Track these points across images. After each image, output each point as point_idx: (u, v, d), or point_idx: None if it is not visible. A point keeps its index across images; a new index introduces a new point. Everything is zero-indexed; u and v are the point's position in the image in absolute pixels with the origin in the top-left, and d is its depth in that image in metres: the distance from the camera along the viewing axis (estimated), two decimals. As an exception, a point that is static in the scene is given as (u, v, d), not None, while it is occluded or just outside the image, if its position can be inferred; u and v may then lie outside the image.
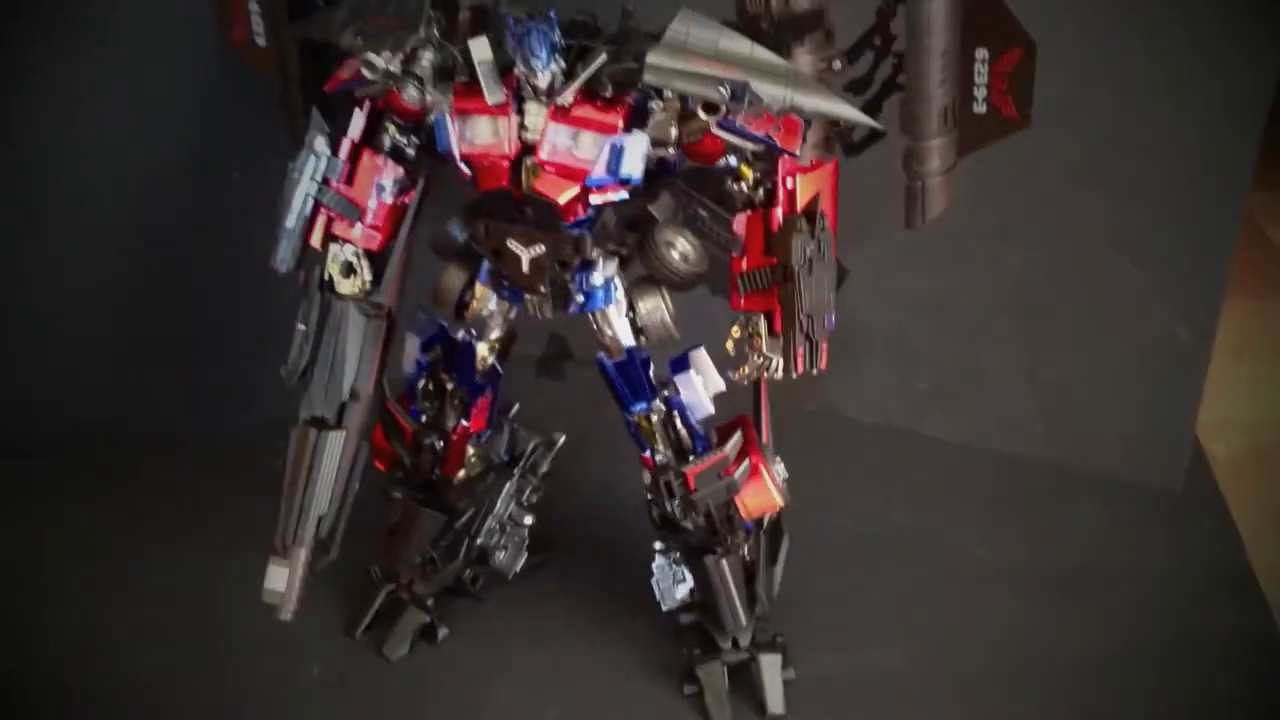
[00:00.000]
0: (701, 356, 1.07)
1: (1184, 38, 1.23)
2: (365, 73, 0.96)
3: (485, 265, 1.04)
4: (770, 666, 1.14)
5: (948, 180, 1.02)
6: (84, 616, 1.23)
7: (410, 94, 0.97)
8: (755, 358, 1.01)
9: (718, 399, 1.08)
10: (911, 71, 0.97)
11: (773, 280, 0.99)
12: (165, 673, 1.18)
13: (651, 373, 1.07)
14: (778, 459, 1.11)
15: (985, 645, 1.21)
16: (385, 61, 0.95)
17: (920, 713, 1.15)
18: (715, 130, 0.95)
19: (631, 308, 1.05)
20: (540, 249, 0.99)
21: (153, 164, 1.36)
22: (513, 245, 0.99)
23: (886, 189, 1.03)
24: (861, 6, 1.00)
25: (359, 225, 1.03)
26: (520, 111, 0.97)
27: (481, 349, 1.13)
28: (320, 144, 1.02)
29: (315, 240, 1.03)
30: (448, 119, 0.99)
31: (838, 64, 1.00)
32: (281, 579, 1.06)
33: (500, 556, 1.22)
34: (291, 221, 1.03)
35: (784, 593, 1.17)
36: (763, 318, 1.01)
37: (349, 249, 1.04)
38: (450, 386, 1.14)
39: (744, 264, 1.00)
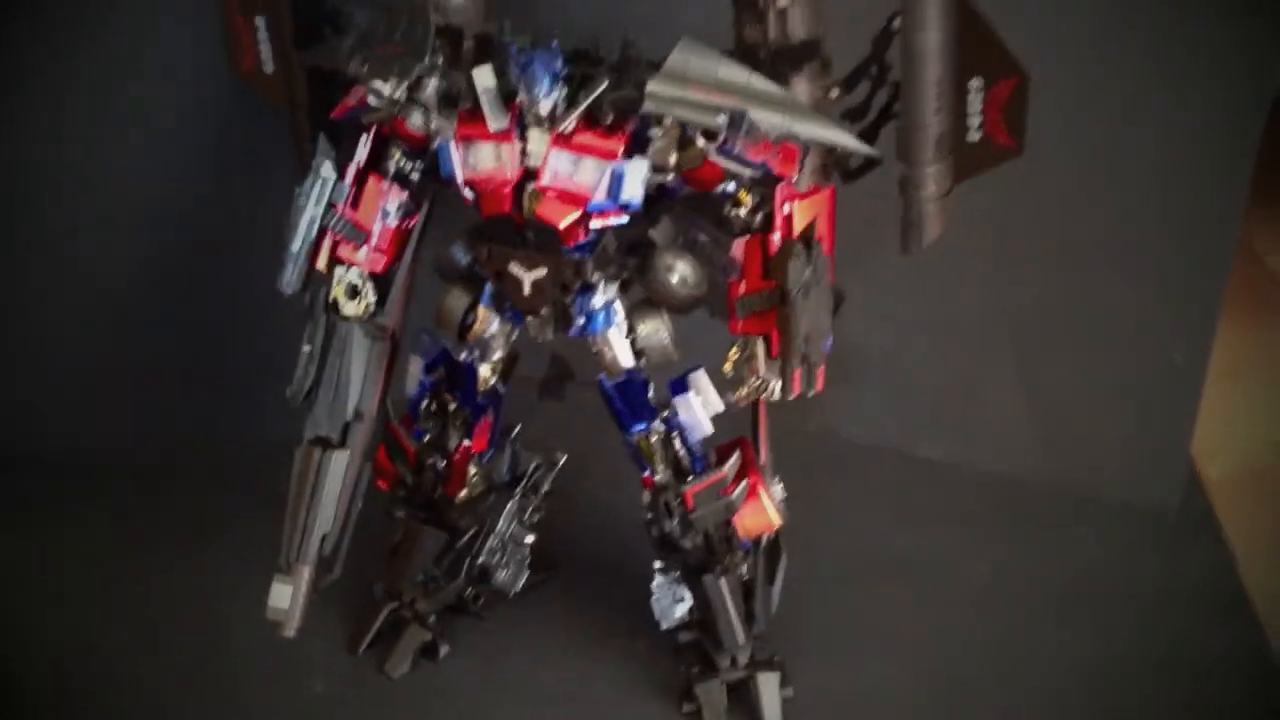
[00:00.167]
0: (700, 378, 1.08)
1: (1178, 61, 1.24)
2: (371, 100, 0.98)
3: (488, 288, 1.06)
4: (768, 685, 1.15)
5: (943, 207, 1.02)
6: (88, 632, 1.24)
7: (415, 120, 1.00)
8: (753, 379, 1.03)
9: (717, 420, 1.08)
10: (907, 100, 0.98)
11: (770, 304, 1.00)
12: (169, 688, 1.18)
13: (651, 394, 1.08)
14: (776, 479, 1.12)
15: (982, 664, 1.22)
16: (391, 89, 0.97)
17: (917, 731, 1.16)
18: (714, 157, 0.97)
19: (632, 330, 1.06)
20: (542, 272, 1.00)
21: (161, 187, 1.37)
22: (515, 268, 1.01)
23: (884, 214, 1.04)
24: (858, 36, 1.01)
25: (364, 248, 1.05)
26: (523, 138, 0.99)
27: (484, 370, 1.14)
28: (327, 169, 1.03)
29: (321, 263, 1.05)
30: (452, 145, 1.00)
31: (834, 92, 1.01)
32: (285, 596, 1.07)
33: (501, 575, 1.22)
34: (298, 244, 1.04)
35: (782, 612, 1.18)
36: (760, 340, 1.02)
37: (354, 272, 1.05)
38: (453, 407, 1.15)
39: (742, 288, 1.02)
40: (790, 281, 0.97)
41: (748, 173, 0.98)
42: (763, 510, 1.10)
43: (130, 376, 1.45)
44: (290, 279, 1.05)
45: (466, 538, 1.20)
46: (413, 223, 1.06)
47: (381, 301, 1.06)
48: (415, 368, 1.16)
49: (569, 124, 0.97)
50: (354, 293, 1.06)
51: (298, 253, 1.04)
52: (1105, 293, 1.36)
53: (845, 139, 0.96)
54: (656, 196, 1.00)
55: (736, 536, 1.11)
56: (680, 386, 1.09)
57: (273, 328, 1.15)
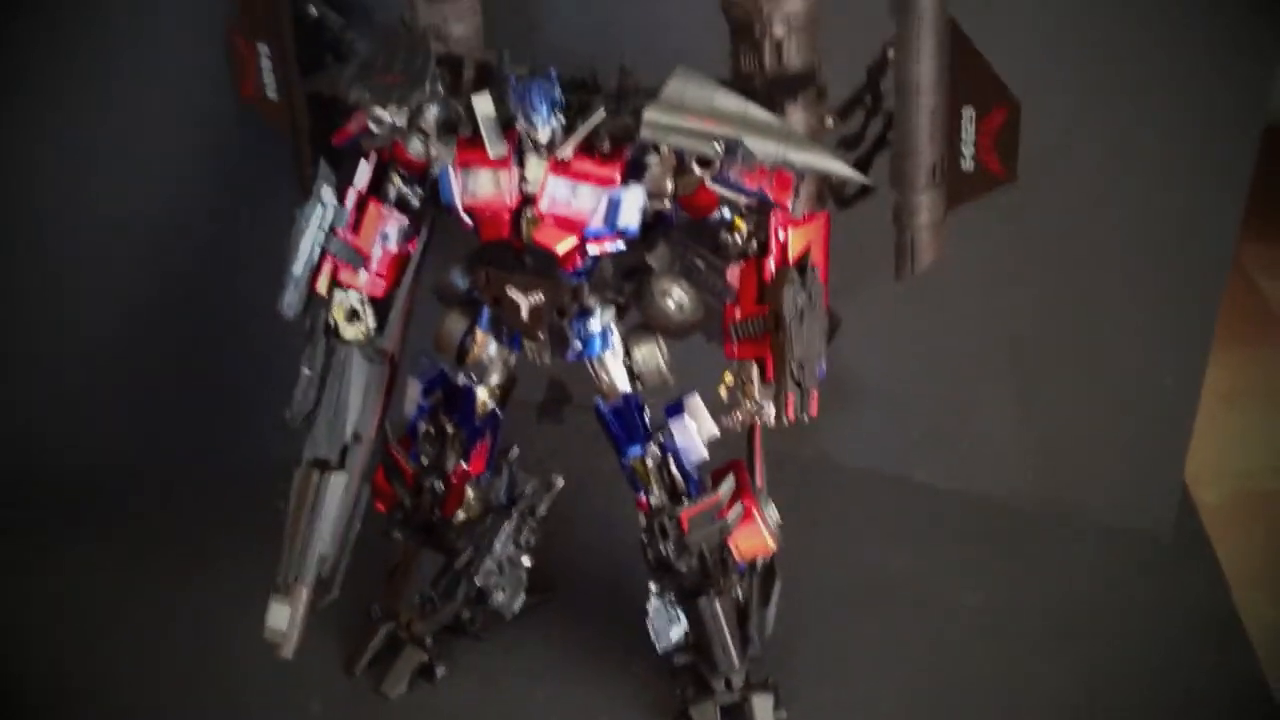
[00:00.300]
0: (696, 402, 1.09)
1: (1171, 86, 1.24)
2: (372, 126, 0.99)
3: (486, 312, 1.07)
4: (762, 707, 1.15)
5: (936, 234, 1.03)
6: (87, 650, 1.25)
7: (415, 147, 1.01)
8: (748, 404, 1.04)
9: (713, 443, 1.09)
10: (901, 129, 0.98)
11: (765, 329, 1.01)
12: (167, 707, 1.19)
13: (647, 417, 1.09)
14: (770, 503, 1.13)
15: (976, 686, 1.22)
16: (391, 115, 0.98)
17: (911, 754, 1.16)
18: (710, 184, 0.98)
19: (628, 354, 1.07)
20: (539, 297, 1.01)
21: (163, 208, 1.37)
22: (512, 293, 1.02)
23: (879, 240, 1.04)
24: (853, 66, 1.02)
25: (364, 272, 1.06)
26: (521, 164, 1.00)
27: (481, 393, 1.15)
28: (328, 194, 1.04)
29: (321, 286, 1.06)
30: (451, 171, 1.01)
31: (829, 121, 1.02)
32: (283, 617, 1.08)
33: (499, 597, 1.23)
34: (299, 268, 1.05)
35: (777, 635, 1.18)
36: (755, 365, 1.03)
37: (354, 295, 1.06)
38: (450, 430, 1.15)
39: (738, 313, 1.03)
40: (785, 307, 0.98)
41: (743, 200, 0.99)
42: (758, 533, 1.11)
43: (131, 396, 1.46)
44: (291, 302, 1.06)
45: (463, 559, 1.20)
46: (412, 247, 1.07)
47: (381, 325, 1.07)
48: (414, 390, 1.16)
49: (567, 151, 0.98)
50: (354, 316, 1.07)
51: (298, 276, 1.05)
52: (1099, 317, 1.36)
53: (839, 167, 0.97)
54: (653, 223, 1.01)
55: (731, 559, 1.11)
56: (676, 410, 1.09)
57: (273, 350, 1.15)
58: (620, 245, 1.01)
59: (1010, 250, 1.35)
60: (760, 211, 1.00)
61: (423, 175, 1.05)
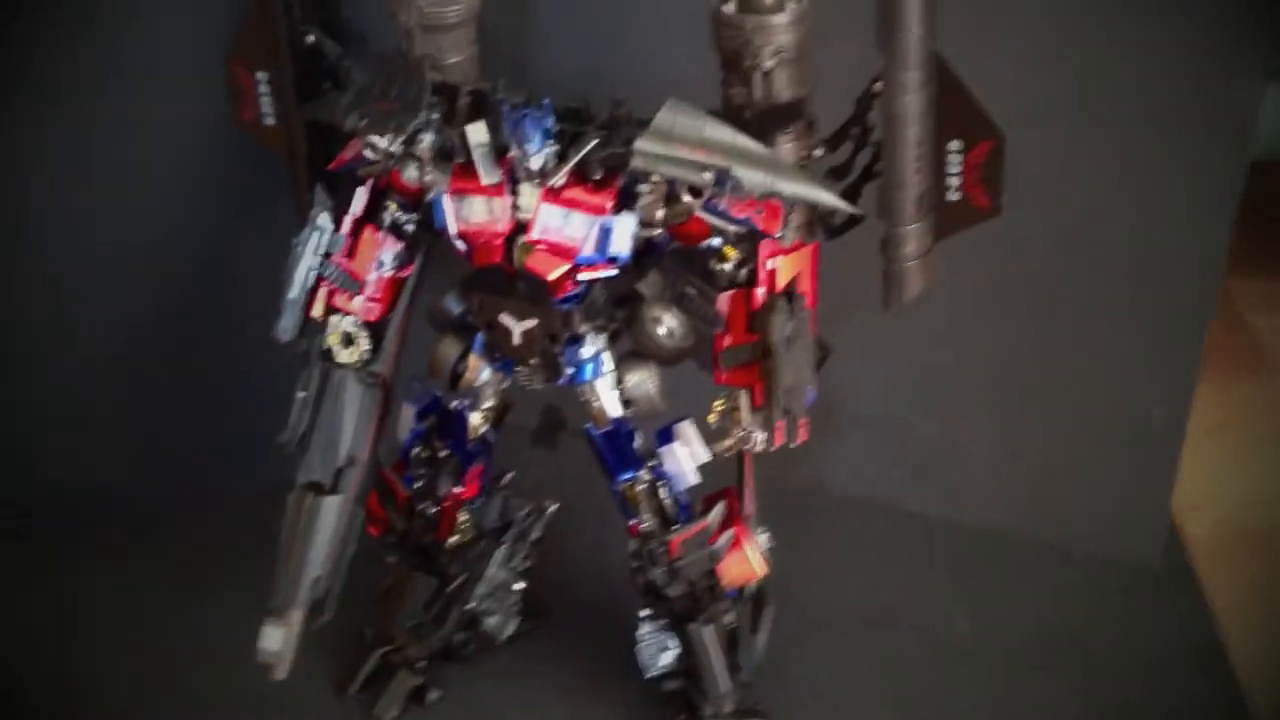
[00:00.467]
0: (687, 428, 1.10)
1: (1159, 119, 1.26)
2: (368, 153, 1.00)
3: (479, 337, 1.08)
4: (751, 733, 1.16)
5: (924, 264, 1.04)
6: (82, 672, 1.26)
7: (410, 174, 1.02)
8: (737, 430, 1.04)
9: (705, 470, 1.10)
10: (888, 160, 0.99)
11: (754, 356, 1.02)
12: (160, 729, 1.20)
13: (638, 443, 1.10)
14: (761, 530, 1.13)
15: (964, 714, 1.23)
16: (387, 143, 0.99)
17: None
18: (700, 213, 0.99)
19: (619, 380, 1.08)
20: (532, 323, 1.02)
21: (161, 233, 1.38)
22: (505, 319, 1.03)
23: (869, 270, 1.05)
24: (841, 98, 1.03)
25: (359, 297, 1.07)
26: (514, 192, 1.01)
27: (474, 418, 1.16)
28: (324, 219, 1.06)
29: (316, 311, 1.07)
30: (445, 198, 1.03)
31: (818, 152, 1.03)
32: (277, 639, 1.08)
33: (491, 621, 1.24)
34: (294, 293, 1.07)
35: (767, 662, 1.19)
36: (744, 392, 1.04)
37: (349, 320, 1.07)
38: (444, 454, 1.16)
39: (727, 340, 1.03)
40: (773, 335, 0.99)
41: (733, 228, 1.00)
42: (746, 560, 1.11)
43: (127, 417, 1.46)
44: (287, 326, 1.07)
45: (456, 584, 1.21)
46: (407, 273, 1.08)
47: (375, 350, 1.08)
48: (407, 415, 1.17)
49: (559, 179, 1.00)
50: (348, 341, 1.08)
51: (294, 300, 1.07)
52: (1087, 349, 1.37)
53: (827, 197, 0.99)
54: (644, 250, 1.02)
55: (721, 586, 1.12)
56: (666, 436, 1.10)
57: (270, 374, 1.16)
58: (612, 272, 1.02)
59: (998, 282, 1.36)
60: (749, 240, 1.01)
61: (418, 202, 1.06)
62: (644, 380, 1.08)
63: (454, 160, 1.02)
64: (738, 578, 1.12)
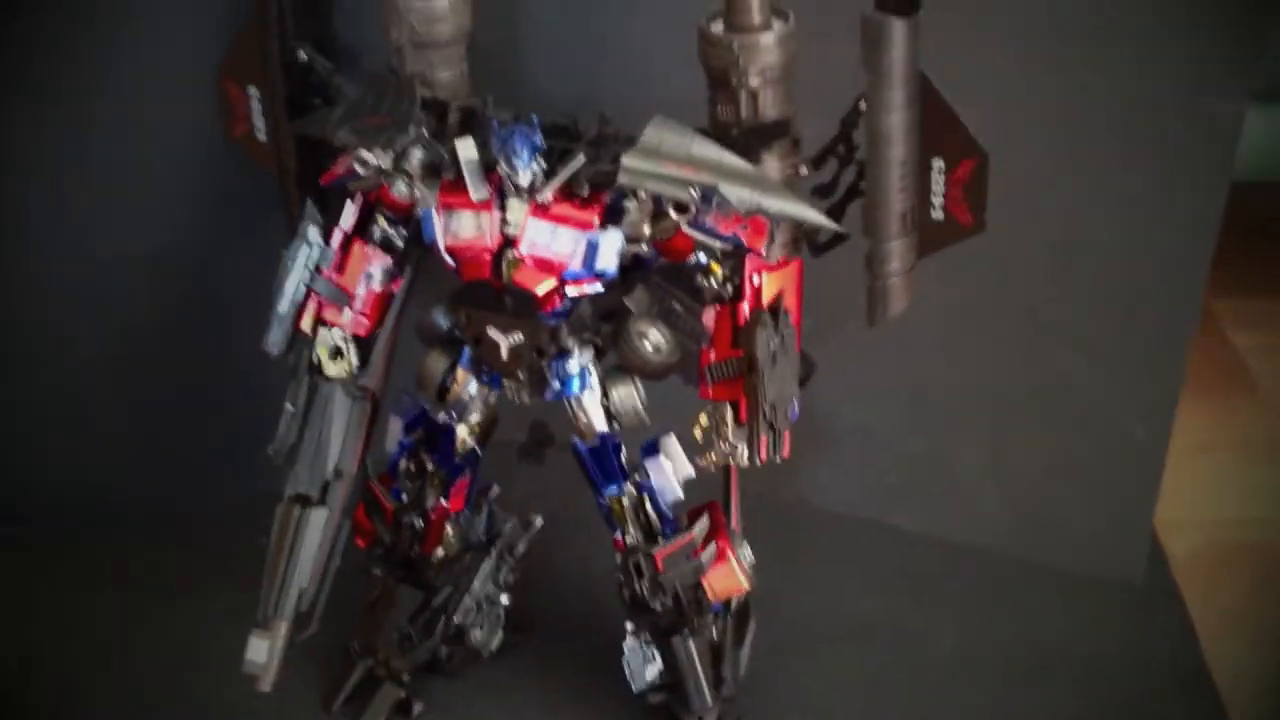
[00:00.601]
0: (671, 443, 1.11)
1: (1140, 139, 1.27)
2: (358, 168, 1.01)
3: (467, 351, 1.08)
4: (735, 746, 1.16)
5: (908, 280, 1.05)
6: (69, 682, 1.26)
7: (400, 189, 1.02)
8: (722, 445, 1.05)
9: (691, 484, 1.11)
10: (873, 179, 1.00)
11: (739, 371, 1.03)
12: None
13: (623, 457, 1.11)
14: (745, 543, 1.14)
15: (946, 731, 1.24)
16: (377, 158, 1.00)
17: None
18: (686, 229, 1.00)
19: (605, 395, 1.08)
20: (519, 337, 1.03)
21: (154, 246, 1.39)
22: (492, 333, 1.04)
23: (853, 287, 1.06)
24: (826, 117, 1.04)
25: (348, 311, 1.08)
26: (502, 207, 1.02)
27: (462, 431, 1.16)
28: (314, 233, 1.07)
29: (306, 324, 1.08)
30: (434, 213, 1.03)
31: (804, 170, 1.04)
32: (262, 650, 1.09)
33: (476, 635, 1.24)
34: (284, 306, 1.07)
35: (751, 676, 1.20)
36: (729, 407, 1.04)
37: (337, 333, 1.08)
38: (431, 467, 1.17)
39: (712, 355, 1.04)
40: (758, 350, 1.00)
41: (718, 245, 1.01)
42: (731, 573, 1.12)
43: (126, 421, 1.46)
44: (276, 339, 1.08)
45: (442, 596, 1.22)
46: (396, 287, 1.09)
47: (364, 363, 1.09)
48: (395, 427, 1.18)
49: (547, 195, 1.00)
50: (337, 354, 1.08)
51: (284, 314, 1.07)
52: (1070, 367, 1.38)
53: (812, 214, 1.00)
54: (631, 266, 1.03)
55: (705, 599, 1.13)
56: (652, 450, 1.11)
57: (259, 386, 1.17)
58: (599, 287, 1.03)
59: (982, 300, 1.37)
60: (735, 256, 1.02)
61: (407, 217, 1.07)
62: (630, 395, 1.08)
63: (443, 176, 1.02)
64: (724, 591, 1.13)
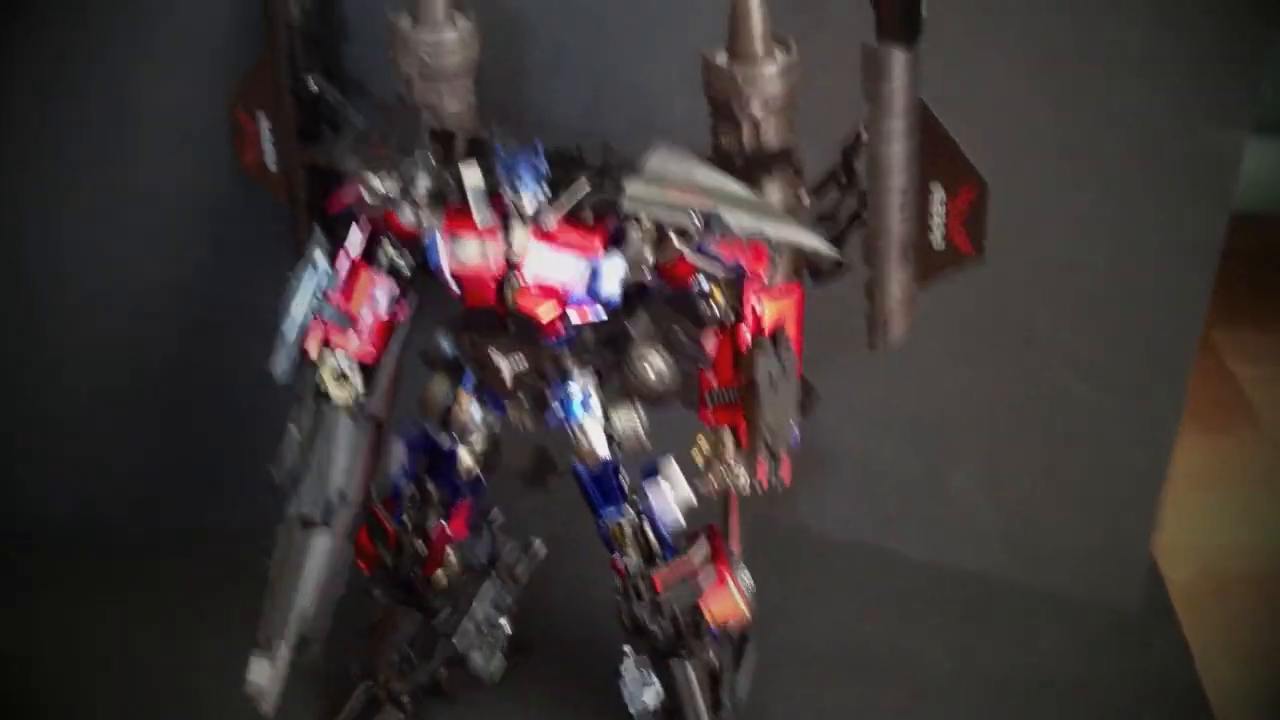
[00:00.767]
0: (671, 466, 1.11)
1: (1140, 167, 1.27)
2: (366, 195, 1.02)
3: (470, 376, 1.09)
4: (734, 771, 1.16)
5: (907, 308, 1.06)
6: (71, 696, 1.26)
7: (406, 215, 1.03)
8: (722, 469, 1.06)
9: (692, 508, 1.11)
10: (874, 207, 1.01)
11: (739, 396, 1.04)
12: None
13: (624, 481, 1.11)
14: (744, 568, 1.14)
15: (944, 757, 1.24)
16: (384, 185, 1.01)
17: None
18: (688, 255, 1.01)
19: (607, 420, 1.09)
20: (522, 361, 1.04)
21: (161, 271, 1.40)
22: (495, 357, 1.04)
23: (854, 314, 1.07)
24: (828, 146, 1.05)
25: (353, 336, 1.08)
26: (507, 233, 1.02)
27: (464, 456, 1.16)
28: (320, 259, 1.07)
29: (311, 348, 1.08)
30: (439, 239, 1.04)
31: (805, 198, 1.06)
32: (264, 672, 1.08)
33: (477, 659, 1.24)
34: (290, 330, 1.08)
35: (749, 701, 1.20)
36: (729, 431, 1.05)
37: (342, 358, 1.08)
38: (433, 491, 1.17)
39: (713, 380, 1.05)
40: (758, 375, 1.00)
41: (720, 271, 1.02)
42: (730, 597, 1.12)
43: (123, 451, 1.47)
44: (281, 363, 1.09)
45: (442, 619, 1.22)
46: (401, 312, 1.10)
47: (368, 388, 1.09)
48: (398, 451, 1.18)
49: (551, 221, 1.01)
50: (342, 378, 1.09)
51: (289, 338, 1.08)
52: (1070, 394, 1.38)
53: (812, 241, 1.01)
54: (634, 292, 1.04)
55: (704, 622, 1.13)
56: (651, 474, 1.11)
57: (265, 409, 1.17)
58: (601, 313, 1.04)
59: (982, 327, 1.37)
60: (737, 283, 1.03)
61: (413, 243, 1.07)
62: (631, 420, 1.09)
63: (448, 202, 1.03)
64: (722, 615, 1.13)
